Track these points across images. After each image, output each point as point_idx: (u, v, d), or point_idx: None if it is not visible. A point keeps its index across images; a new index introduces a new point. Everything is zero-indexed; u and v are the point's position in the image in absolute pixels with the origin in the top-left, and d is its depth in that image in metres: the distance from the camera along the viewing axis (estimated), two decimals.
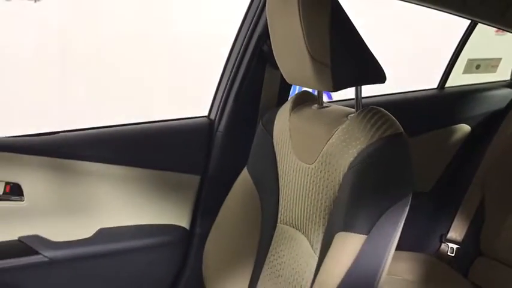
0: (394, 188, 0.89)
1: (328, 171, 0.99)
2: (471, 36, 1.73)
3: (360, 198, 0.89)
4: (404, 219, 0.91)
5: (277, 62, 1.09)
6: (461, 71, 1.78)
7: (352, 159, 0.93)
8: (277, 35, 1.05)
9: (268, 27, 1.07)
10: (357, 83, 0.99)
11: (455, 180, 1.81)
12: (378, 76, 0.98)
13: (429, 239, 1.80)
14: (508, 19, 1.48)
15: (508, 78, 1.86)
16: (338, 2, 0.96)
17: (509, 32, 1.55)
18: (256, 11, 1.34)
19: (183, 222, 1.43)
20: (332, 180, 0.98)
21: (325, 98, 1.18)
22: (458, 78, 1.79)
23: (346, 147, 0.95)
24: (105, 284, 1.34)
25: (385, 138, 0.91)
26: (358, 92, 1.02)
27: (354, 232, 0.87)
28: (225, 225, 1.29)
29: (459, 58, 1.74)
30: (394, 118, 0.96)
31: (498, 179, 1.68)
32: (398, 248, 1.72)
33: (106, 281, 1.34)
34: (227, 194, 1.29)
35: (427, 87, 1.83)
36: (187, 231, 1.43)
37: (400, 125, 0.94)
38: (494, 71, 1.84)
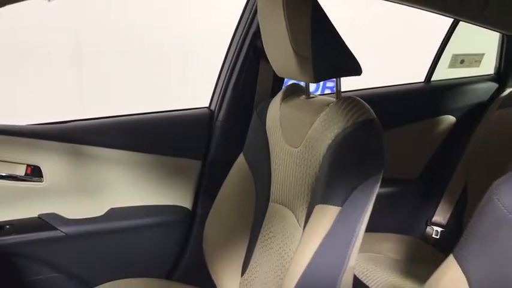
0: (366, 166, 1.02)
1: (311, 153, 1.12)
2: (457, 33, 1.85)
3: (336, 174, 1.02)
4: (375, 194, 1.04)
5: (268, 56, 1.22)
6: (447, 66, 1.89)
7: (330, 141, 1.06)
8: (267, 33, 1.18)
9: (260, 26, 1.21)
10: (336, 75, 1.12)
11: (440, 168, 1.93)
12: (355, 69, 1.10)
13: (415, 223, 1.92)
14: (485, 17, 1.60)
15: (491, 72, 1.97)
16: (318, 4, 1.08)
17: (487, 28, 1.68)
18: (250, 12, 1.48)
19: (186, 203, 1.56)
20: (314, 161, 1.11)
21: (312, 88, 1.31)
22: (444, 73, 1.90)
23: (325, 131, 1.08)
24: (114, 258, 1.49)
25: (359, 123, 1.04)
26: (337, 83, 1.15)
27: (330, 204, 1.00)
28: (223, 205, 1.43)
29: (445, 53, 1.86)
30: (368, 106, 1.08)
31: (480, 167, 1.79)
32: (386, 230, 1.84)
33: (115, 255, 1.49)
34: (225, 177, 1.43)
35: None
36: (189, 211, 1.57)
37: (373, 112, 1.07)
38: (478, 66, 1.95)
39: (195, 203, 1.57)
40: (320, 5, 1.08)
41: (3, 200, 1.35)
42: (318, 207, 1.03)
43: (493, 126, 1.81)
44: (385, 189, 1.84)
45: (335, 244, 1.01)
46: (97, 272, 1.44)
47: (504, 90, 1.89)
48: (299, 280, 1.02)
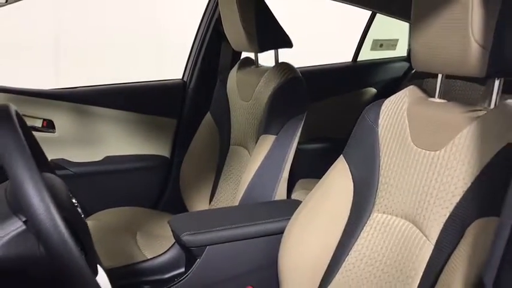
0: (293, 107, 1.50)
1: (258, 104, 1.59)
2: (376, 21, 2.35)
3: (273, 113, 1.49)
4: (300, 128, 1.50)
5: (226, 36, 1.69)
6: (369, 49, 2.40)
7: (270, 93, 1.53)
8: (226, 18, 1.65)
9: (220, 13, 1.67)
10: (274, 47, 1.59)
11: None
12: (288, 43, 1.58)
13: None
14: (393, 8, 2.08)
15: (404, 54, 2.50)
16: None
17: (396, 18, 2.18)
18: (213, 3, 1.94)
19: (165, 152, 2.01)
20: (260, 109, 1.58)
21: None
22: (367, 54, 2.41)
23: (267, 87, 1.56)
24: (109, 192, 1.91)
25: (289, 79, 1.52)
26: (276, 53, 1.62)
27: (269, 134, 1.48)
28: (194, 152, 1.88)
29: (367, 39, 2.37)
30: (296, 69, 1.56)
31: None
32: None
33: (110, 190, 1.91)
34: (196, 131, 1.88)
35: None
36: (168, 159, 2.02)
37: (299, 72, 1.54)
38: (394, 49, 2.47)
39: (172, 152, 2.02)
40: None
41: None
42: (261, 137, 1.50)
43: None
44: (322, 145, 2.35)
45: (273, 161, 1.48)
46: (96, 202, 1.85)
47: (413, 69, 2.42)
48: (246, 189, 1.47)
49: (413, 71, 2.38)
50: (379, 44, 2.40)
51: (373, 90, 2.41)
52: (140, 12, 4.30)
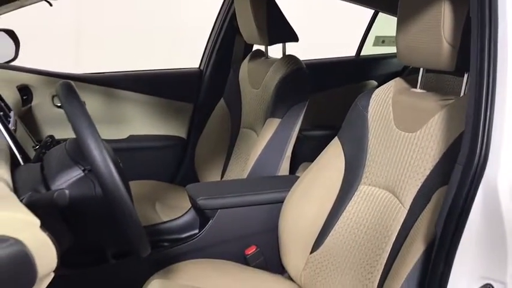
0: (297, 93, 1.70)
1: (266, 91, 1.80)
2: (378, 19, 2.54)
3: (279, 99, 1.70)
4: (303, 112, 1.70)
5: (240, 29, 1.90)
6: (372, 45, 2.59)
7: (276, 82, 1.74)
8: (240, 14, 1.86)
9: (235, 9, 1.88)
10: (282, 40, 1.80)
11: None
12: (294, 37, 1.79)
13: None
14: (394, 8, 2.24)
15: None
16: None
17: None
18: (229, 0, 2.15)
19: (182, 133, 2.24)
20: (268, 95, 1.79)
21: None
22: (370, 50, 2.60)
23: (274, 76, 1.76)
24: (133, 167, 2.12)
25: (294, 69, 1.72)
26: (284, 46, 1.83)
27: (275, 117, 1.68)
28: (208, 134, 2.09)
29: (370, 35, 2.55)
30: (301, 61, 1.76)
31: None
32: None
33: (134, 165, 2.12)
34: (210, 115, 2.09)
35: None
36: (184, 139, 2.24)
37: (303, 64, 1.74)
38: (395, 45, 2.64)
39: (188, 133, 2.24)
40: None
41: (61, 125, 1.98)
42: (268, 120, 1.71)
43: None
44: (325, 132, 2.54)
45: (277, 141, 1.69)
46: None
47: None
48: (253, 165, 1.69)
49: (410, 66, 2.56)
50: (381, 40, 2.59)
51: (374, 83, 2.60)
52: (161, 6, 4.51)
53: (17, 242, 0.63)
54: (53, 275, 0.69)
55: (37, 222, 0.66)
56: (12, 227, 0.64)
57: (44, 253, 0.66)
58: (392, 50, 2.67)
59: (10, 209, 0.67)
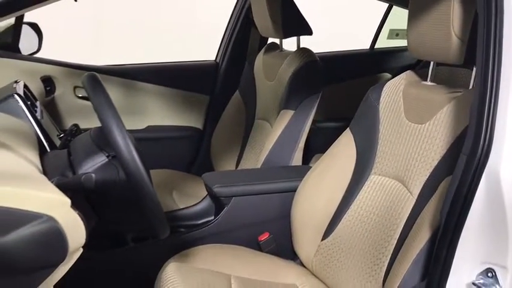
0: (310, 86, 1.74)
1: (280, 83, 1.85)
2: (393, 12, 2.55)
3: (293, 91, 1.74)
4: (316, 105, 1.74)
5: (255, 22, 1.94)
6: (386, 38, 2.61)
7: (290, 74, 1.78)
8: (255, 7, 1.90)
9: (251, 3, 1.92)
10: (297, 34, 1.84)
11: None
12: (308, 31, 1.83)
13: None
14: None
15: None
16: None
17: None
18: None
19: (199, 124, 2.30)
20: (282, 87, 1.83)
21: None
22: (385, 42, 2.62)
23: (288, 69, 1.80)
24: (151, 157, 2.16)
25: (308, 62, 1.76)
26: (298, 40, 1.87)
27: (289, 109, 1.73)
28: (224, 125, 2.15)
29: (384, 28, 2.57)
30: (314, 53, 1.80)
31: None
32: None
33: (151, 155, 2.16)
34: (226, 107, 2.14)
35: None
36: (201, 130, 2.30)
37: (316, 56, 1.78)
38: None
39: (204, 124, 2.30)
40: None
41: (83, 115, 2.06)
42: (282, 112, 1.76)
43: None
44: (338, 124, 2.58)
45: (291, 133, 1.74)
46: None
47: None
48: (267, 155, 1.74)
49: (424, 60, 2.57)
50: (395, 34, 2.60)
51: (388, 75, 2.62)
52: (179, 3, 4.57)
53: (50, 218, 0.69)
54: (81, 250, 0.75)
55: (68, 201, 0.72)
56: (45, 206, 0.70)
57: (74, 229, 0.72)
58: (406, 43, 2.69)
59: (43, 189, 0.73)
